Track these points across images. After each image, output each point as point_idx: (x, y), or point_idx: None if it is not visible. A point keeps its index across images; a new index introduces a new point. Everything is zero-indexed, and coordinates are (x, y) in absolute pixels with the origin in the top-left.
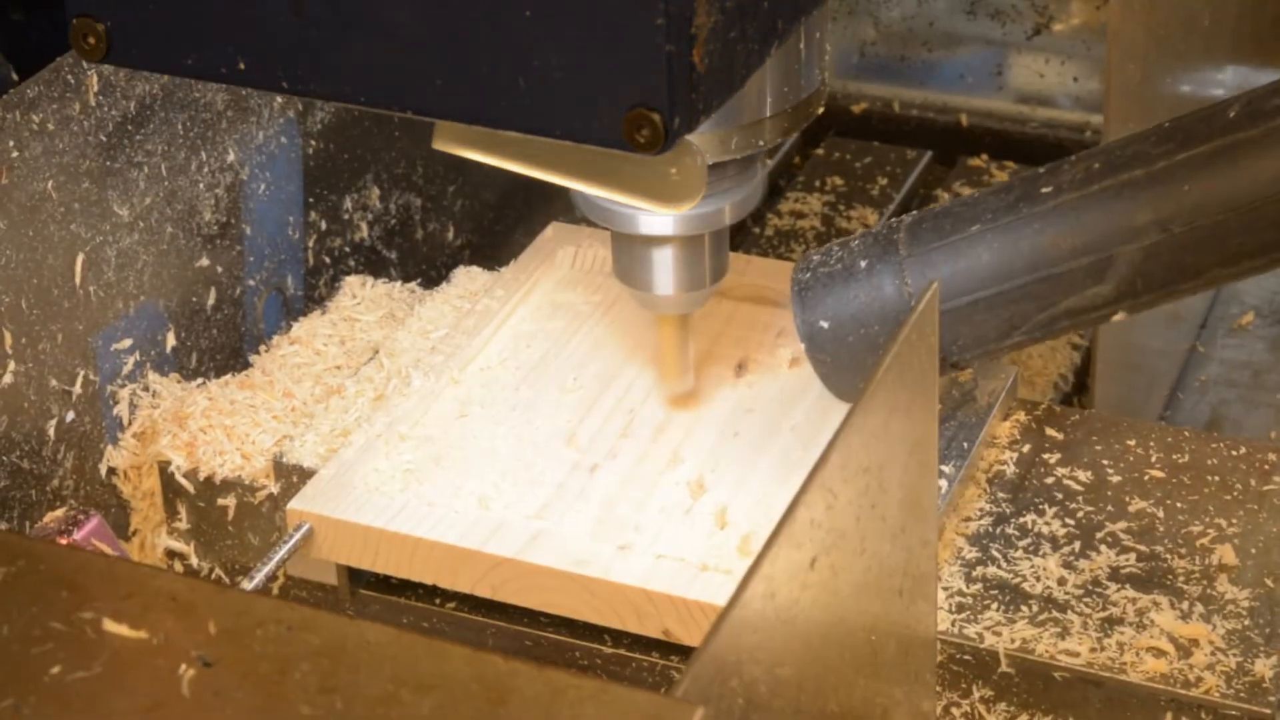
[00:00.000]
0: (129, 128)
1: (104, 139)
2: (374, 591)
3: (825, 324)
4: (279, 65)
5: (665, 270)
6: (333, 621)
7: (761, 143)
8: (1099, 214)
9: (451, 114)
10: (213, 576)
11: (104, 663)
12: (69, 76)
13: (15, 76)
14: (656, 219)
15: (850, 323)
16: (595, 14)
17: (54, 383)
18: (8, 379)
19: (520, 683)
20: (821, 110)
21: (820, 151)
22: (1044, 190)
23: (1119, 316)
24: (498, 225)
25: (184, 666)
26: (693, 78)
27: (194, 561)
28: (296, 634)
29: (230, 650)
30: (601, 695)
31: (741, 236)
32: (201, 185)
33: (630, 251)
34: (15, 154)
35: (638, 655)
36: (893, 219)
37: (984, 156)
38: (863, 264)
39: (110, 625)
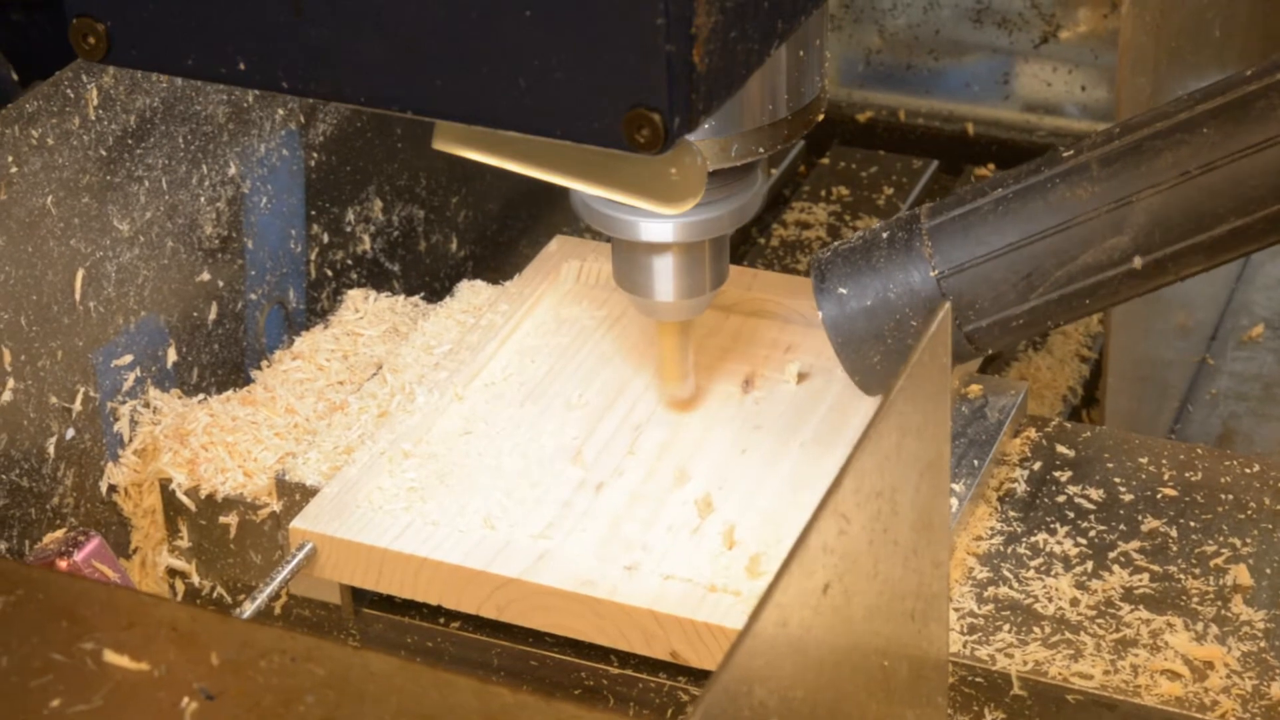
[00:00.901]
0: (129, 142)
1: (104, 153)
2: (377, 610)
3: (844, 289)
4: (279, 65)
5: (665, 277)
6: (337, 652)
7: (762, 150)
8: (1118, 164)
9: (451, 114)
10: (214, 595)
11: (105, 695)
12: (68, 91)
13: (15, 76)
14: (657, 226)
15: (870, 287)
16: (595, 14)
17: (54, 400)
18: (7, 396)
19: (527, 715)
20: (822, 117)
21: (825, 161)
22: (1065, 154)
23: (1137, 289)
24: (501, 236)
25: (186, 699)
26: (693, 78)
27: (195, 580)
28: (300, 665)
29: (233, 682)
30: None
31: (746, 247)
32: (202, 199)
33: (631, 258)
34: (14, 169)
35: (644, 676)
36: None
37: (991, 166)
38: (884, 235)
39: (111, 656)
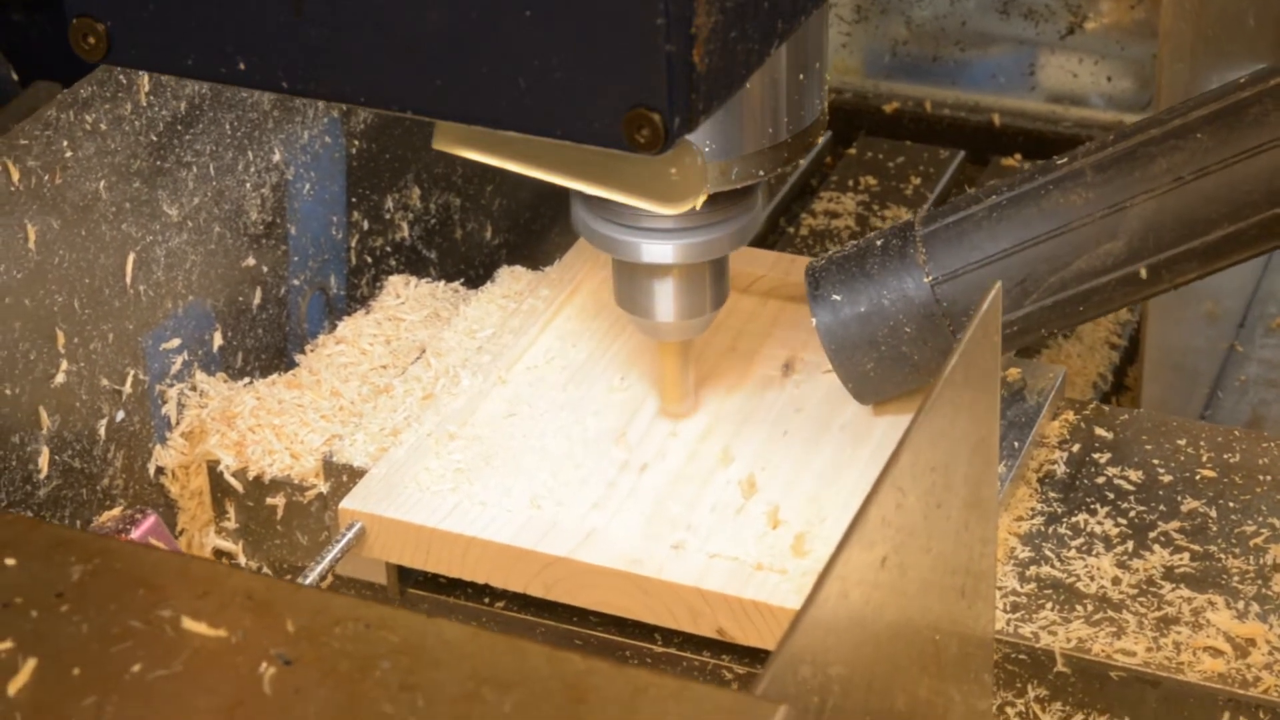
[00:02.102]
0: (178, 128)
1: (154, 139)
2: (423, 591)
3: (839, 296)
4: (279, 65)
5: (666, 297)
6: (411, 619)
7: (762, 173)
8: (1112, 170)
9: (451, 114)
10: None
11: (184, 661)
12: (121, 76)
13: (15, 76)
14: (658, 248)
15: (865, 294)
16: (595, 14)
17: (105, 382)
18: (60, 378)
19: (600, 681)
20: (821, 139)
21: (853, 151)
22: (1059, 161)
23: (1130, 296)
24: (534, 224)
25: (264, 664)
26: (693, 78)
27: (242, 561)
28: (375, 632)
29: (309, 648)
30: (683, 693)
31: (775, 236)
32: (248, 185)
33: (631, 279)
34: (69, 154)
35: (688, 654)
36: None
37: (1017, 156)
38: (879, 242)
39: (189, 623)
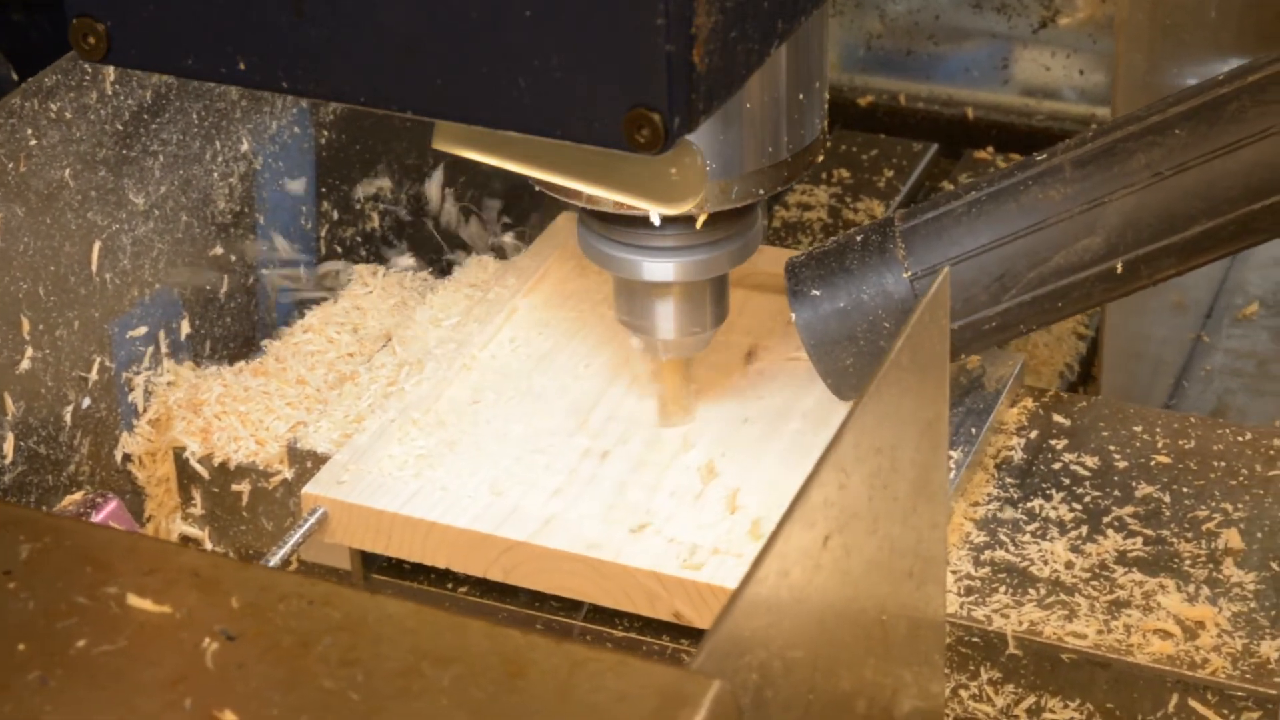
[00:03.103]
0: (145, 116)
1: (120, 127)
2: (387, 576)
3: (817, 291)
4: (279, 65)
5: (667, 315)
6: (353, 596)
7: (762, 192)
8: (1091, 166)
9: (451, 114)
10: None
11: (128, 636)
12: (86, 65)
13: (15, 76)
14: (659, 266)
15: (844, 289)
16: (595, 14)
17: (71, 369)
18: (25, 365)
19: (539, 655)
20: (821, 157)
21: (827, 144)
22: (1039, 157)
23: (1109, 292)
24: (507, 215)
25: (207, 640)
26: (693, 78)
27: (208, 547)
28: (318, 608)
29: (252, 624)
30: (620, 667)
31: None
32: (216, 174)
33: (631, 297)
34: (33, 142)
35: (648, 638)
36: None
37: (990, 149)
38: (858, 238)
39: (134, 600)
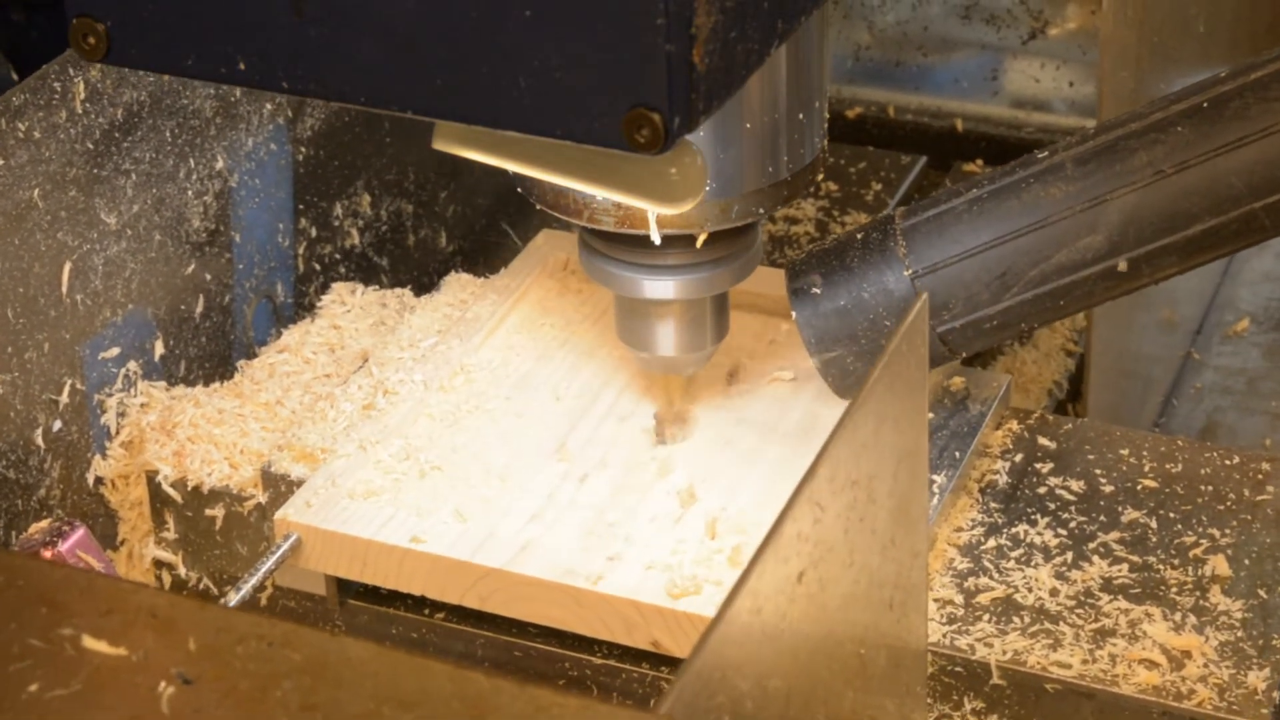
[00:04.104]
0: (116, 135)
1: (91, 146)
2: (363, 602)
3: (818, 289)
4: (279, 65)
5: (667, 332)
6: (314, 637)
7: (762, 211)
8: (1093, 163)
9: (451, 114)
10: (201, 586)
11: (83, 680)
12: (55, 84)
13: (15, 76)
14: (659, 284)
15: (844, 287)
16: (595, 14)
17: (41, 392)
18: None
19: (503, 700)
20: (821, 176)
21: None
22: (1040, 155)
23: (1111, 290)
24: (490, 231)
25: (163, 684)
26: (693, 78)
27: (182, 571)
28: (277, 650)
29: (210, 667)
30: (585, 712)
31: None
32: (190, 192)
33: (631, 314)
34: (0, 162)
35: (628, 666)
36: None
37: (979, 161)
38: (859, 236)
39: (90, 642)
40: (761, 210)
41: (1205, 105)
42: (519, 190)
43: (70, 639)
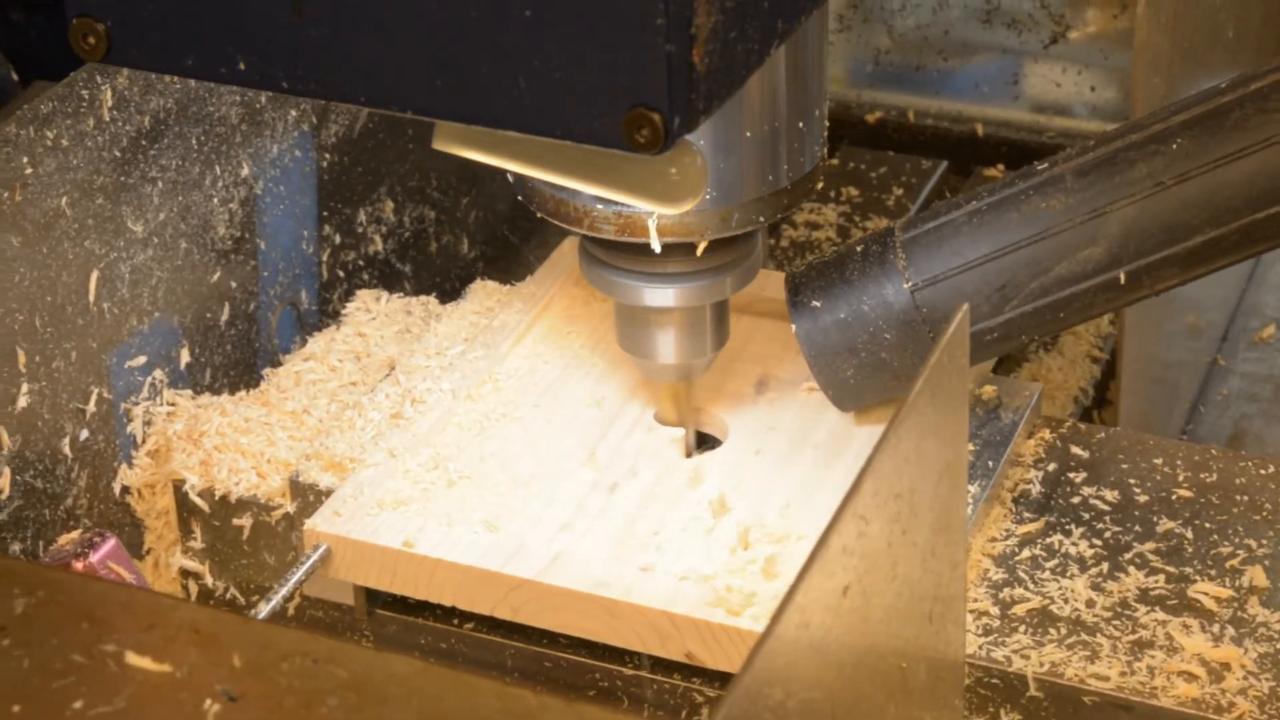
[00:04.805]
0: (143, 143)
1: (118, 154)
2: (391, 612)
3: (818, 302)
4: (279, 65)
5: (667, 340)
6: (359, 654)
7: (762, 219)
8: (1092, 175)
9: (451, 114)
10: (228, 596)
11: (127, 697)
12: (83, 92)
13: (15, 76)
14: (659, 292)
15: (844, 300)
16: (595, 14)
17: (68, 401)
18: (22, 398)
19: (550, 718)
20: (821, 184)
21: (835, 162)
22: (1040, 167)
23: (1112, 302)
24: (512, 237)
25: (209, 701)
26: (693, 78)
27: (209, 581)
28: (322, 667)
29: (255, 684)
30: None
31: None
32: (215, 200)
33: (632, 322)
34: (29, 170)
35: (659, 677)
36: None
37: (1000, 167)
38: (859, 248)
39: (133, 658)
40: (761, 218)
41: (1204, 116)
42: (519, 198)
43: (113, 655)
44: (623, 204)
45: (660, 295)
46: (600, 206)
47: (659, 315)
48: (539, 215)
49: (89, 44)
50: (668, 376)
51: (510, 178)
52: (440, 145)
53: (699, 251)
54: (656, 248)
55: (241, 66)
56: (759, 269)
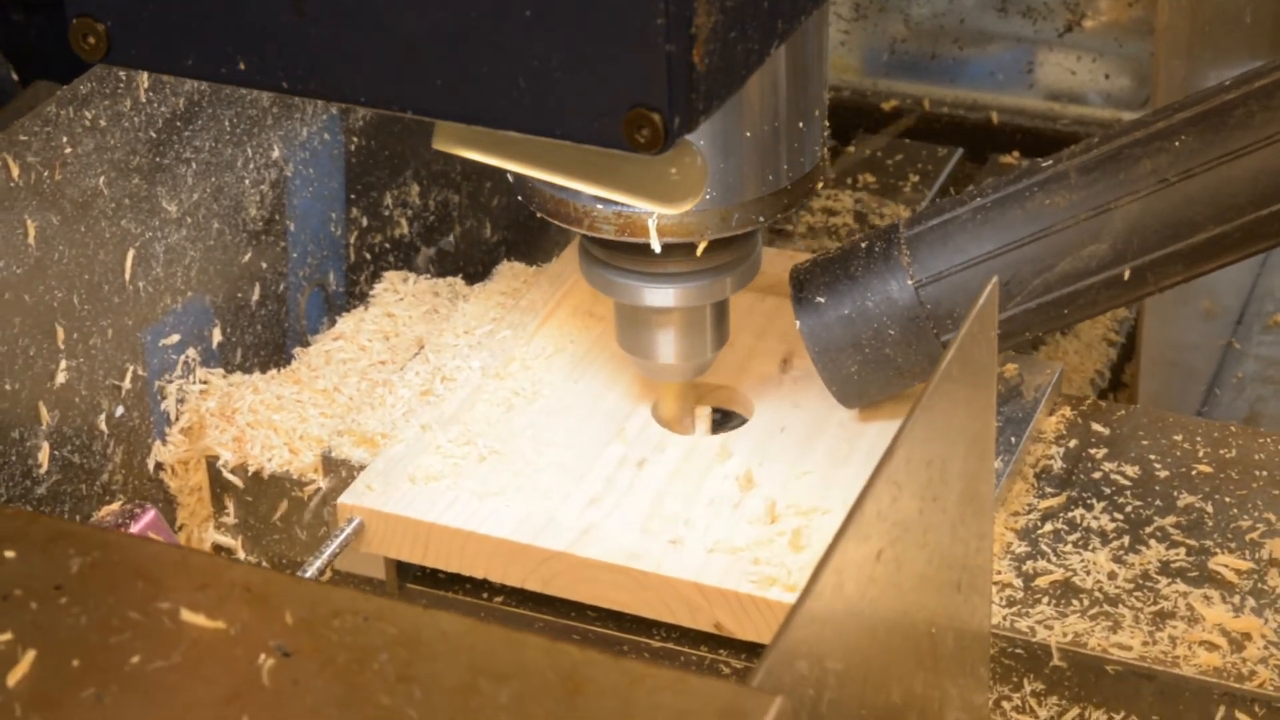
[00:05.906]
0: (178, 124)
1: (154, 135)
2: (422, 586)
3: (822, 298)
4: (279, 65)
5: (667, 340)
6: (408, 611)
7: (762, 219)
8: (1096, 172)
9: (451, 114)
10: None
11: (183, 652)
12: (121, 73)
13: (15, 76)
14: (659, 292)
15: (848, 296)
16: (595, 14)
17: (105, 378)
18: (61, 374)
19: (596, 671)
20: (821, 184)
21: (851, 149)
22: (1044, 164)
23: (1115, 299)
24: (534, 221)
25: (263, 656)
26: (693, 78)
27: (241, 556)
28: (373, 624)
29: (308, 640)
30: (679, 684)
31: (773, 233)
32: (247, 181)
33: (632, 322)
34: (68, 150)
35: (686, 649)
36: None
37: (1015, 154)
38: (863, 245)
39: (188, 615)
40: (761, 218)
41: (1209, 113)
42: (519, 199)
43: (168, 612)
44: (623, 204)
45: (660, 295)
46: (600, 206)
47: (659, 315)
48: (539, 215)
49: (89, 44)
50: (668, 376)
51: (510, 178)
52: (440, 145)
53: (699, 251)
54: (656, 248)
55: (242, 66)
56: (759, 269)
